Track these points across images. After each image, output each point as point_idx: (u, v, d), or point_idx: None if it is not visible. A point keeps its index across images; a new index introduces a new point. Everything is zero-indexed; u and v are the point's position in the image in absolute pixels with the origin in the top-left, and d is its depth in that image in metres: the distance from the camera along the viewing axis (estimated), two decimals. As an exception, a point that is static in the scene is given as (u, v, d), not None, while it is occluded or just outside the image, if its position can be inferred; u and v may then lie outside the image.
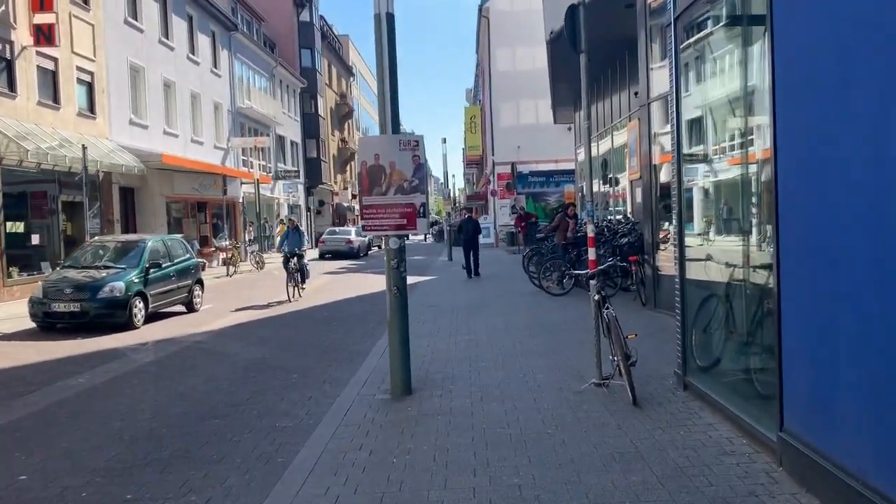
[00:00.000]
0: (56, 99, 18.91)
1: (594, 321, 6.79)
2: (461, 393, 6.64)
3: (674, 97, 6.51)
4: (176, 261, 14.26)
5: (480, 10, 42.46)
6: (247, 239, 32.19)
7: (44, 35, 17.53)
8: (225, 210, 29.32)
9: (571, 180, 37.20)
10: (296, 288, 16.50)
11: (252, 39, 36.28)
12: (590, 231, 6.91)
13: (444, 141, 30.49)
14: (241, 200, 32.13)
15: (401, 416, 5.94)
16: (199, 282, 15.14)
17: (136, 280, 12.72)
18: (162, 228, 24.66)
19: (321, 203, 51.38)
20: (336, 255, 33.74)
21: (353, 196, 60.84)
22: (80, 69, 20.01)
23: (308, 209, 46.88)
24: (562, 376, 7.17)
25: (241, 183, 31.22)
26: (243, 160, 33.74)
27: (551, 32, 17.47)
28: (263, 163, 37.33)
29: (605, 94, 21.07)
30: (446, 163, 31.41)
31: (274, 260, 32.77)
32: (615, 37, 13.79)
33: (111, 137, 21.45)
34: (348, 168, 61.28)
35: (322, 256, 34.20)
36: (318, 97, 48.42)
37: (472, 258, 19.85)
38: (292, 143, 43.75)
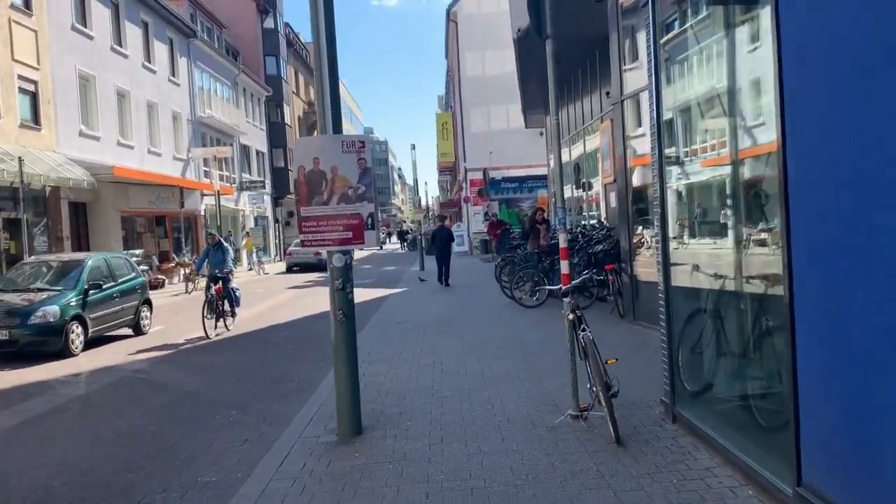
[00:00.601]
0: (-5, 110, 17.74)
1: (569, 344, 5.96)
2: (419, 432, 5.74)
3: (653, 89, 5.71)
4: (120, 280, 13.20)
5: (448, 13, 41.75)
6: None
7: (-22, 41, 16.38)
8: (185, 224, 28.15)
9: (545, 185, 36.63)
10: (220, 320, 13.09)
11: (213, 47, 35.17)
12: (562, 241, 6.08)
13: (413, 147, 29.76)
14: (202, 213, 30.91)
15: (345, 466, 5.03)
16: (147, 302, 14.08)
17: (74, 303, 11.66)
18: (117, 244, 23.50)
19: (290, 214, 50.18)
20: (304, 267, 32.64)
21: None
22: (21, 77, 18.85)
23: (276, 220, 45.71)
24: (535, 407, 6.32)
25: (203, 195, 30.03)
26: (205, 171, 32.58)
27: (518, 30, 16.72)
28: (227, 173, 36.17)
29: (575, 96, 20.40)
30: (416, 169, 30.53)
31: (239, 275, 31.71)
32: (585, 35, 13.09)
33: (58, 150, 20.27)
34: (318, 178, 60.05)
35: (290, 269, 33.10)
36: (285, 105, 47.33)
37: (443, 268, 20.01)
38: (258, 152, 42.60)
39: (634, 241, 11.07)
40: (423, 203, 46.12)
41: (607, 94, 13.66)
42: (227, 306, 13.29)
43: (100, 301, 12.34)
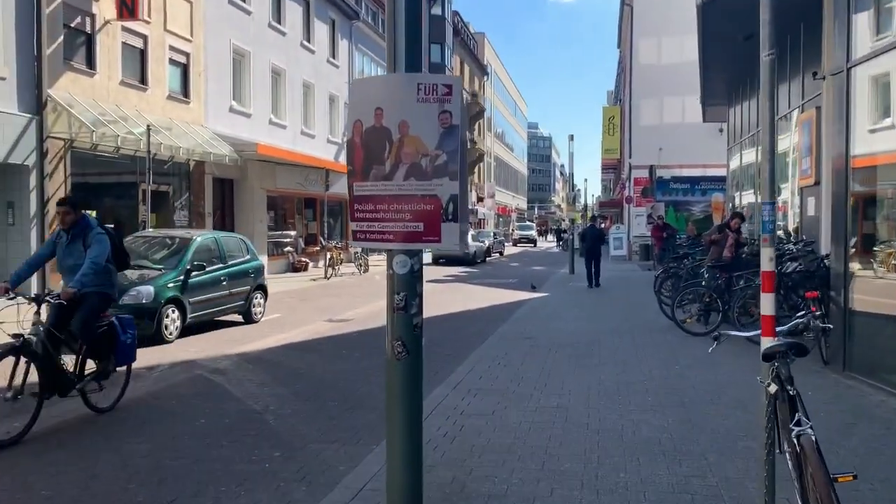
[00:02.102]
0: (143, 79, 17.53)
1: (766, 433, 3.60)
2: (504, 546, 3.64)
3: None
4: (231, 263, 12.09)
5: (624, -2, 38.66)
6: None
7: (126, 7, 16.09)
8: (336, 208, 27.56)
9: (721, 188, 32.77)
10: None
11: (376, 30, 34.54)
12: (766, 261, 3.72)
13: (571, 138, 26.93)
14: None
15: None
16: (261, 288, 12.91)
17: (172, 285, 10.60)
18: (261, 224, 23.13)
19: (445, 204, 49.20)
20: (451, 260, 31.22)
21: (479, 198, 58.49)
22: (173, 49, 18.60)
23: (429, 210, 44.78)
24: (697, 518, 4.00)
25: (352, 179, 29.30)
26: (359, 156, 31.95)
27: (704, -6, 13.89)
28: (382, 160, 35.49)
29: (760, 89, 17.12)
30: (572, 161, 27.93)
31: (381, 262, 30.83)
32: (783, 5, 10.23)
33: (206, 124, 19.97)
34: (476, 169, 58.90)
35: (436, 261, 31.84)
36: (447, 94, 46.20)
37: (592, 268, 19.40)
38: (416, 140, 41.77)
39: (853, 261, 8.20)
40: (583, 201, 43.22)
41: (814, 75, 10.72)
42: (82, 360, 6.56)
43: (204, 284, 11.25)
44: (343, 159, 30.30)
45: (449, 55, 46.94)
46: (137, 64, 17.42)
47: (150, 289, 10.25)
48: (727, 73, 21.05)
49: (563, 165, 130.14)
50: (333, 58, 29.54)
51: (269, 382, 7.94)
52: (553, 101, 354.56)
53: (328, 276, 22.70)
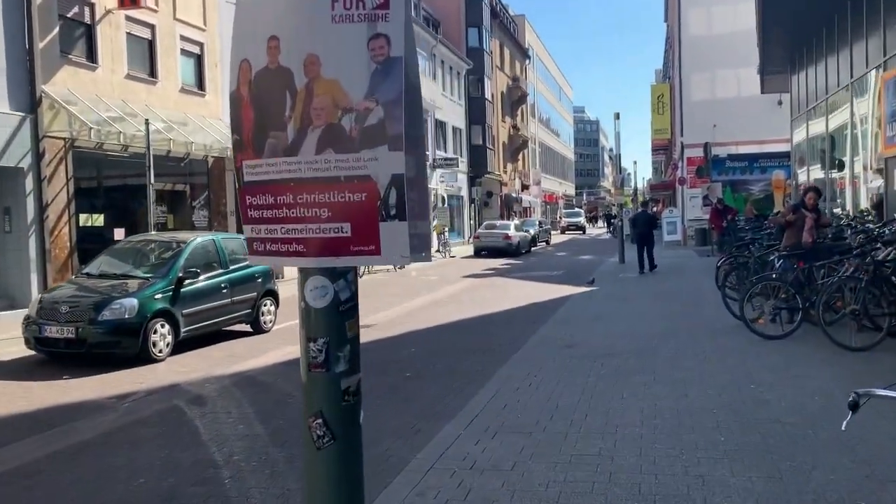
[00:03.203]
0: (152, 72, 16.44)
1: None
2: None
3: None
4: (233, 268, 10.82)
5: (670, -34, 36.29)
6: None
7: (127, -5, 14.99)
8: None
9: (782, 165, 30.45)
10: None
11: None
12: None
13: (617, 116, 24.93)
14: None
15: None
16: (271, 293, 11.62)
17: (161, 296, 9.35)
18: (289, 221, 21.95)
19: (489, 194, 47.61)
20: (493, 252, 29.69)
21: (524, 186, 56.63)
22: (185, 38, 17.47)
23: (471, 200, 43.28)
24: None
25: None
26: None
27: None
28: (418, 149, 34.09)
29: (827, 51, 15.19)
30: (619, 142, 26.06)
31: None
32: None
33: (224, 118, 18.82)
34: (520, 157, 57.04)
35: (478, 253, 30.36)
36: (486, 79, 44.51)
37: (645, 254, 18.87)
38: (454, 128, 40.24)
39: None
40: (633, 185, 40.92)
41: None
42: None
43: (200, 293, 9.99)
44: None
45: (487, 38, 45.17)
46: (145, 56, 16.34)
47: (134, 301, 9.01)
48: (789, 36, 18.95)
49: (611, 149, 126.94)
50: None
51: (247, 417, 6.58)
52: (599, 84, 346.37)
53: (360, 273, 21.40)
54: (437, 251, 31.23)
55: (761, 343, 8.50)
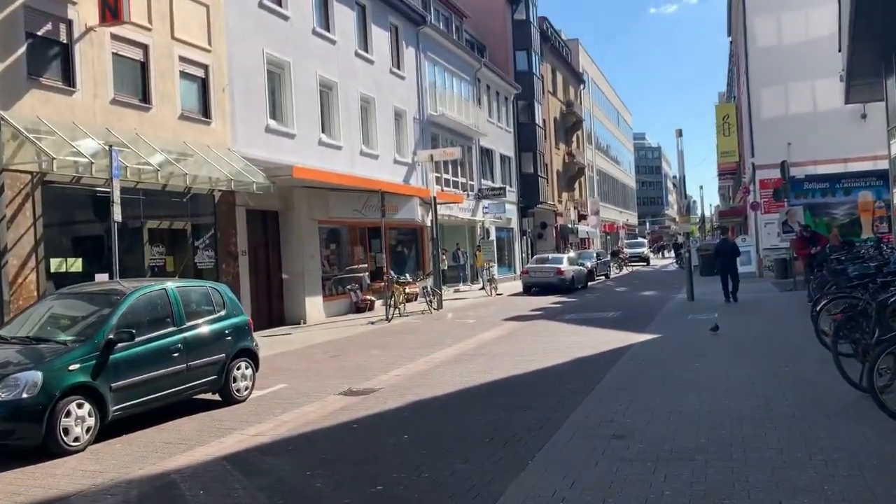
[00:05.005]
0: (146, 97, 14.64)
1: None
2: None
3: None
4: (191, 324, 8.59)
5: (732, -26, 33.46)
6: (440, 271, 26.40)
7: (109, 8, 13.19)
8: (406, 237, 24.02)
9: (869, 185, 26.86)
10: None
11: (448, 37, 31.10)
12: None
13: (680, 134, 22.06)
14: (426, 223, 26.47)
15: None
16: (246, 352, 9.34)
17: (78, 366, 7.15)
18: (313, 260, 19.89)
19: (543, 225, 44.90)
20: (544, 288, 26.94)
21: (581, 216, 53.63)
22: (185, 60, 15.68)
23: (523, 232, 40.67)
24: None
25: (423, 203, 25.57)
26: (437, 177, 28.30)
27: None
28: (463, 179, 31.82)
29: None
30: (682, 162, 23.13)
31: (467, 295, 26.90)
32: None
33: (234, 147, 16.96)
34: (576, 186, 54.21)
35: (527, 290, 27.66)
36: (536, 104, 42.16)
37: (727, 283, 18.48)
38: (502, 156, 37.87)
39: None
40: (699, 212, 37.69)
41: None
42: None
43: (138, 359, 7.76)
44: (415, 181, 26.82)
45: (537, 62, 42.92)
46: (137, 78, 14.56)
47: (37, 375, 6.81)
48: (882, 37, 15.93)
49: (674, 176, 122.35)
50: (397, 68, 26.26)
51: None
52: (660, 110, 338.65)
53: (389, 317, 19.08)
54: (482, 288, 28.72)
55: (908, 434, 5.71)
